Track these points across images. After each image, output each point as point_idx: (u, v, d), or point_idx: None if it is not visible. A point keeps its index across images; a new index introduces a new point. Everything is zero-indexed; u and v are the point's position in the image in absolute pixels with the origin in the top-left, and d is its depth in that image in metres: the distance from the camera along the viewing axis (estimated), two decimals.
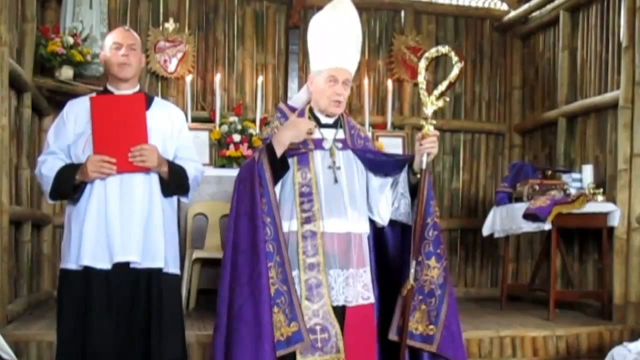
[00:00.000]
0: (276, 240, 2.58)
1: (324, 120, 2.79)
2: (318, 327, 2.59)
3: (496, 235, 5.30)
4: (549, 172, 5.33)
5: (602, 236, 4.80)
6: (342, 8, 2.80)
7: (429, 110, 2.67)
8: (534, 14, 6.12)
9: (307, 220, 2.65)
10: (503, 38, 6.54)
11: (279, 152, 2.60)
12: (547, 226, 4.69)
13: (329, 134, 2.77)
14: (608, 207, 4.70)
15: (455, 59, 2.66)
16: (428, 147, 2.64)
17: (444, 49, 2.69)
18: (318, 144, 2.73)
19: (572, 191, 4.89)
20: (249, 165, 2.66)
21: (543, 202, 4.69)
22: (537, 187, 4.95)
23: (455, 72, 2.65)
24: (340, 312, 2.65)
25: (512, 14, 6.33)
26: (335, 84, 2.71)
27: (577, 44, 5.49)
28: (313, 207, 2.65)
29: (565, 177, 5.13)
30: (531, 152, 6.28)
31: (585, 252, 5.29)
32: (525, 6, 6.11)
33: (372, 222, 2.84)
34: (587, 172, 5.00)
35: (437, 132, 2.67)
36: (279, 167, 2.64)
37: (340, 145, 2.77)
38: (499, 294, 5.60)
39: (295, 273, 2.63)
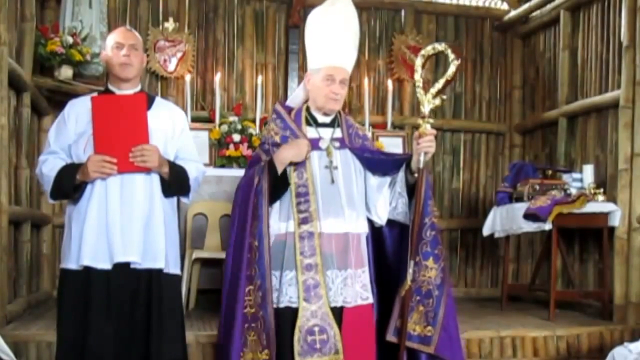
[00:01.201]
0: (258, 263, 2.58)
1: (321, 119, 2.79)
2: (316, 329, 2.59)
3: (496, 235, 5.29)
4: (550, 172, 5.33)
5: (603, 236, 4.79)
6: (340, 5, 2.79)
7: (426, 108, 2.66)
8: (534, 13, 6.11)
9: (304, 221, 2.64)
10: (503, 38, 6.53)
11: (279, 170, 2.61)
12: (547, 226, 4.68)
13: (326, 133, 2.77)
14: (609, 207, 4.69)
15: (451, 56, 2.64)
16: (425, 146, 2.63)
17: (440, 46, 2.67)
18: (315, 143, 2.73)
19: (573, 191, 4.89)
20: (249, 183, 2.66)
21: (543, 202, 4.69)
22: (537, 187, 4.94)
23: (451, 69, 2.64)
24: (338, 313, 2.65)
25: (513, 13, 6.32)
26: (333, 83, 2.71)
27: (578, 43, 5.48)
28: (310, 207, 2.65)
29: (565, 177, 5.13)
30: (531, 152, 6.27)
31: (585, 252, 5.28)
32: (526, 6, 6.10)
33: (370, 222, 2.83)
34: (588, 172, 4.99)
35: (435, 131, 2.66)
36: (280, 185, 2.64)
37: (337, 144, 2.76)
38: (499, 294, 5.60)
39: (292, 274, 2.63)
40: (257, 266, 2.57)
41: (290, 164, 2.67)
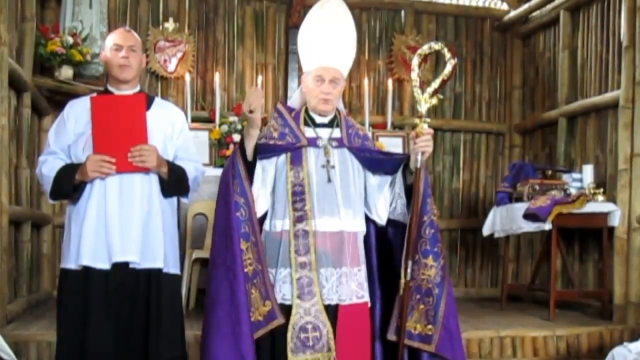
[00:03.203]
0: (250, 221, 2.60)
1: (318, 119, 2.79)
2: (309, 326, 2.59)
3: (496, 235, 5.30)
4: (549, 172, 5.32)
5: (603, 236, 4.79)
6: (330, 7, 2.81)
7: (422, 108, 2.66)
8: (534, 13, 6.12)
9: (299, 219, 2.65)
10: (503, 38, 6.53)
11: (248, 145, 2.61)
12: (547, 226, 4.68)
13: (324, 133, 2.77)
14: (608, 207, 4.69)
15: (447, 55, 2.64)
16: (422, 145, 2.62)
17: (436, 46, 2.67)
18: (312, 142, 2.73)
19: (573, 191, 4.89)
20: (228, 159, 2.70)
21: (543, 202, 4.69)
22: (537, 187, 4.94)
23: (448, 69, 2.64)
24: (333, 310, 2.65)
25: (512, 13, 6.32)
26: (322, 83, 2.71)
27: (578, 43, 5.49)
28: (305, 206, 2.65)
29: (565, 177, 5.13)
30: (531, 152, 6.27)
31: (585, 252, 5.28)
32: (526, 6, 6.10)
33: (374, 222, 2.84)
34: (588, 172, 4.99)
35: (432, 130, 2.66)
36: (251, 161, 2.65)
37: (335, 143, 2.76)
38: (499, 294, 5.60)
39: (287, 271, 2.64)
40: (248, 223, 2.59)
41: (285, 151, 2.69)
